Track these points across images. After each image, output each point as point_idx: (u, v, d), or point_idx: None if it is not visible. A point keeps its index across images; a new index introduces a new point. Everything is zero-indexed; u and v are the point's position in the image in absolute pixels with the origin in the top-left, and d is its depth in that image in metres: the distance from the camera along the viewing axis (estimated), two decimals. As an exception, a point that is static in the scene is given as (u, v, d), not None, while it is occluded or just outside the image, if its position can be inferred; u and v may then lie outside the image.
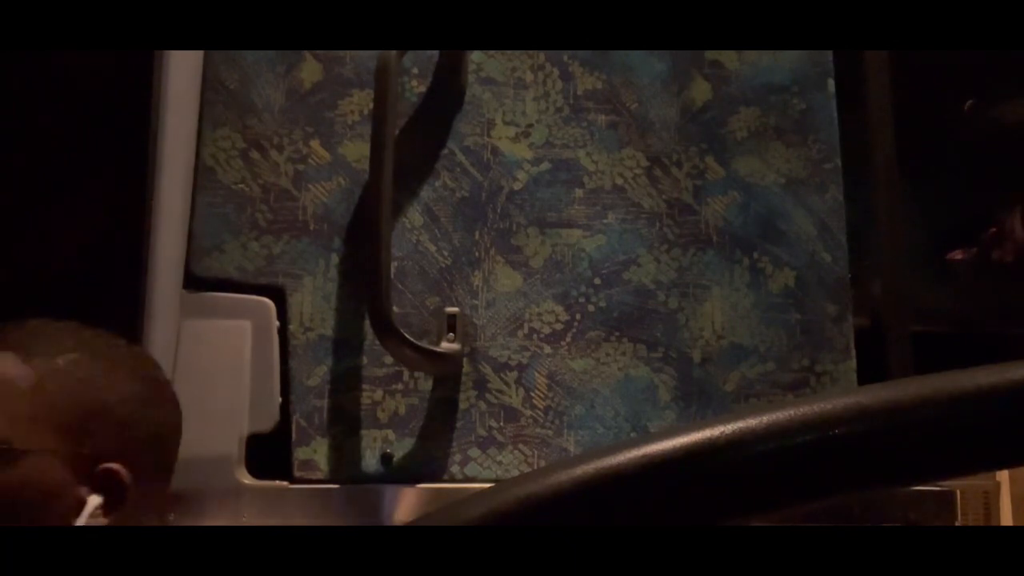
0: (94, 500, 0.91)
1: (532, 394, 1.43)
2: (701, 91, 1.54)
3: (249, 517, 1.34)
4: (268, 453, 1.38)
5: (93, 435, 0.91)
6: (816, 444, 0.40)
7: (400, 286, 1.44)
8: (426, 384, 1.42)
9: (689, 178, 1.51)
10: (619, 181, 1.50)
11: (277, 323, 1.41)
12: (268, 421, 1.38)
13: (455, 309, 1.44)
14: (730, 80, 1.55)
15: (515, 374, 1.43)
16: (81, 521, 0.89)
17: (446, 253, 1.46)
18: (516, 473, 1.40)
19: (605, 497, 0.40)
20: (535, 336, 1.45)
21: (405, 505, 1.37)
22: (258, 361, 1.39)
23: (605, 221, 1.49)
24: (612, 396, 1.44)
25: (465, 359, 1.43)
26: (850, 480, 0.42)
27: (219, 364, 1.38)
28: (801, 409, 0.41)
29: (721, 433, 0.40)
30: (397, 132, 1.41)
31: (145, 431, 0.97)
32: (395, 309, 1.41)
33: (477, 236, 1.47)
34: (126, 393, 0.96)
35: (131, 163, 1.44)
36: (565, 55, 1.53)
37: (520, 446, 1.41)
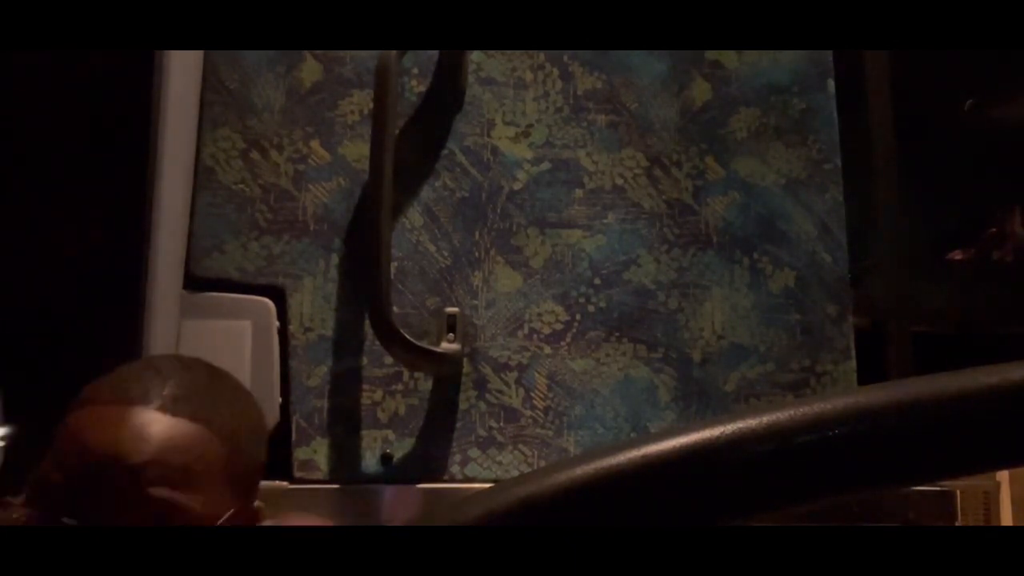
0: None
1: (532, 394, 1.43)
2: (701, 91, 1.54)
3: (249, 517, 1.34)
4: (268, 453, 1.38)
5: (253, 487, 0.95)
6: (816, 444, 0.40)
7: (400, 286, 1.44)
8: (426, 384, 1.42)
9: (689, 178, 1.51)
10: (619, 181, 1.50)
11: (277, 323, 1.41)
12: (268, 421, 1.38)
13: (455, 309, 1.44)
14: (730, 80, 1.55)
15: (515, 374, 1.43)
16: None
17: (446, 253, 1.46)
18: (516, 473, 1.40)
19: (605, 497, 0.40)
20: (535, 336, 1.45)
21: (405, 505, 1.37)
22: (258, 361, 1.39)
23: (605, 221, 1.49)
24: (612, 396, 1.44)
25: (465, 359, 1.43)
26: (850, 480, 0.42)
27: (219, 364, 1.38)
28: (801, 409, 0.41)
29: (721, 433, 0.40)
30: (397, 132, 1.41)
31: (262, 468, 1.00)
32: (395, 309, 1.41)
33: (477, 236, 1.47)
34: (264, 446, 0.98)
35: (131, 163, 1.45)
36: (565, 55, 1.53)
37: (520, 446, 1.41)
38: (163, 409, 0.85)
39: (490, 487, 0.41)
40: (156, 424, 0.84)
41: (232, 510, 0.87)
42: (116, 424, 0.83)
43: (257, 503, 0.95)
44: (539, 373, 1.44)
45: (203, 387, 0.91)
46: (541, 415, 1.42)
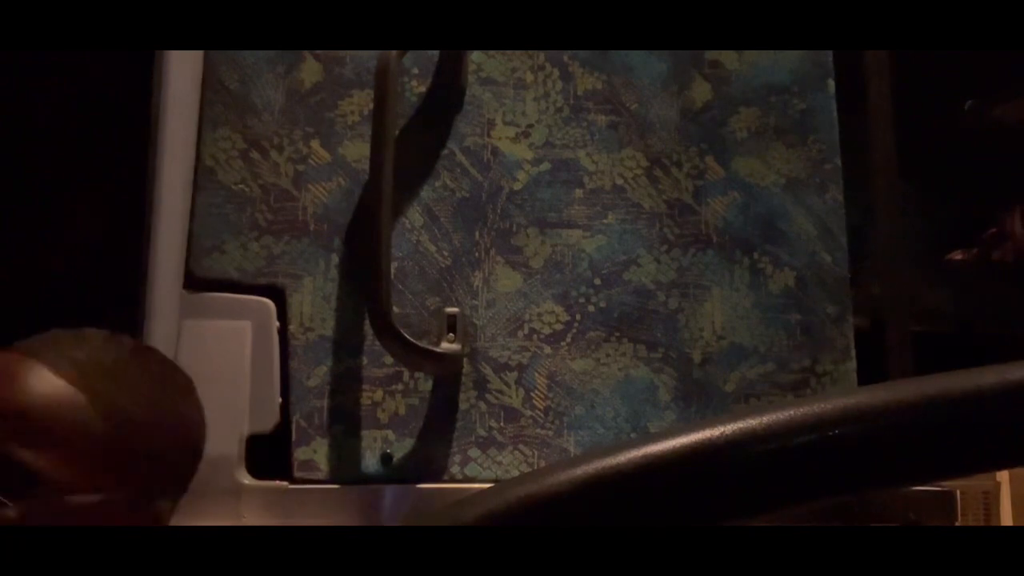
0: None
1: (532, 394, 1.43)
2: (701, 91, 1.54)
3: (249, 517, 1.34)
4: (268, 453, 1.38)
5: (153, 478, 0.88)
6: (816, 444, 0.40)
7: (400, 286, 1.44)
8: (426, 384, 1.42)
9: (689, 178, 1.51)
10: (619, 181, 1.50)
11: (277, 323, 1.41)
12: (268, 421, 1.38)
13: (455, 309, 1.44)
14: (730, 80, 1.55)
15: (515, 374, 1.43)
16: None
17: (446, 253, 1.46)
18: (516, 473, 1.40)
19: (605, 497, 0.40)
20: (535, 336, 1.45)
21: (405, 505, 1.37)
22: (258, 361, 1.39)
23: (605, 221, 1.49)
24: (612, 396, 1.44)
25: (465, 359, 1.43)
26: (850, 480, 0.42)
27: (219, 364, 1.38)
28: (801, 409, 0.41)
29: (721, 433, 0.40)
30: (397, 132, 1.41)
31: (183, 469, 0.94)
32: (395, 309, 1.41)
33: (477, 236, 1.47)
34: (181, 434, 0.92)
35: (131, 163, 1.45)
36: (565, 55, 1.53)
37: (520, 446, 1.41)
38: (52, 367, 0.82)
39: (490, 487, 0.41)
40: (36, 379, 0.81)
41: (104, 495, 0.82)
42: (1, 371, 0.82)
43: (163, 506, 0.89)
44: (539, 373, 1.44)
45: (115, 364, 0.87)
46: (541, 415, 1.42)
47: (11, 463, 0.78)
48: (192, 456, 0.94)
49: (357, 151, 1.46)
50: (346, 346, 1.42)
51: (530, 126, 1.51)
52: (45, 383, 0.82)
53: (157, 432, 0.88)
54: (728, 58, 1.55)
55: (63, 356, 0.84)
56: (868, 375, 1.50)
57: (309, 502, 1.36)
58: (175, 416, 0.92)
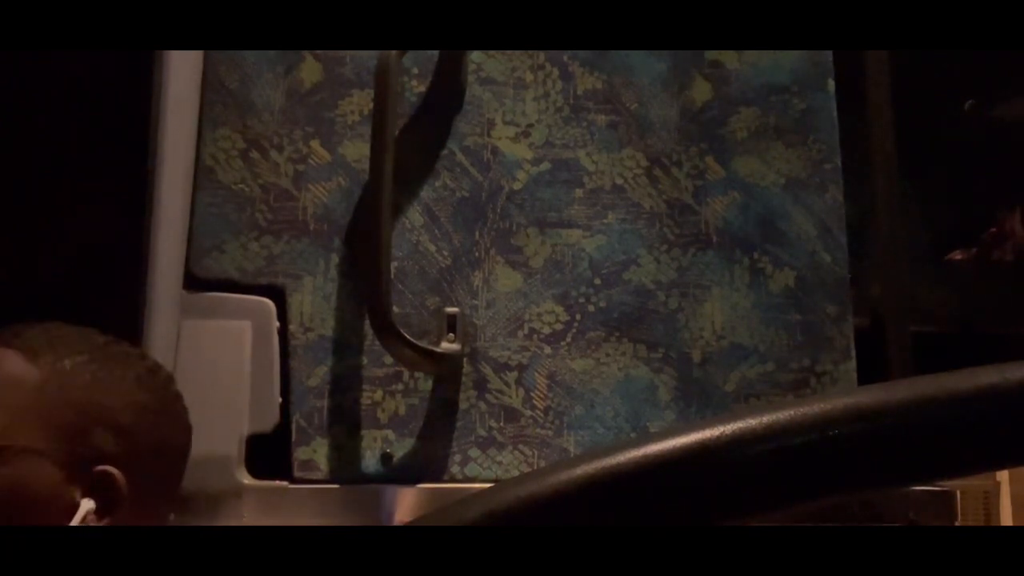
0: (87, 504, 0.89)
1: (532, 394, 1.43)
2: (701, 91, 1.54)
3: (249, 517, 1.34)
4: (268, 453, 1.38)
5: (92, 438, 0.90)
6: (816, 444, 0.40)
7: (400, 286, 1.44)
8: (426, 384, 1.42)
9: (689, 178, 1.51)
10: (619, 181, 1.50)
11: (277, 323, 1.41)
12: (268, 421, 1.38)
13: (455, 309, 1.44)
14: (730, 80, 1.55)
15: (515, 374, 1.43)
16: (74, 523, 0.88)
17: (446, 253, 1.46)
18: (516, 473, 1.40)
19: (605, 497, 0.40)
20: (535, 336, 1.45)
21: (405, 505, 1.37)
22: (258, 361, 1.39)
23: (605, 221, 1.49)
24: (612, 396, 1.44)
25: (465, 359, 1.43)
26: (850, 480, 0.42)
27: (219, 364, 1.38)
28: (801, 409, 0.41)
29: (721, 433, 0.40)
30: (397, 132, 1.41)
31: (147, 440, 0.96)
32: (395, 309, 1.41)
33: (477, 236, 1.47)
34: (130, 400, 0.95)
35: (131, 163, 1.44)
36: (565, 55, 1.53)
37: (520, 446, 1.41)
38: (4, 343, 0.88)
39: (490, 487, 0.41)
40: None
41: (36, 445, 0.85)
42: None
43: (108, 469, 0.90)
44: (539, 373, 1.44)
45: (61, 338, 0.92)
46: (541, 415, 1.42)
47: None
48: (153, 422, 0.95)
49: (357, 151, 1.46)
50: (346, 346, 1.42)
51: (530, 126, 1.51)
52: None
53: (100, 389, 0.91)
54: (728, 58, 1.55)
55: (15, 336, 0.90)
56: (868, 375, 1.49)
57: (309, 502, 1.36)
58: (124, 379, 0.94)
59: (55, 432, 0.88)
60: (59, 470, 0.87)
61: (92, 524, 0.90)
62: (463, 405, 1.42)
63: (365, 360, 1.42)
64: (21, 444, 0.85)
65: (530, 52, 1.52)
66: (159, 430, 0.98)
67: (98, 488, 0.90)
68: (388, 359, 1.40)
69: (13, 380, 0.88)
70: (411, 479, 1.38)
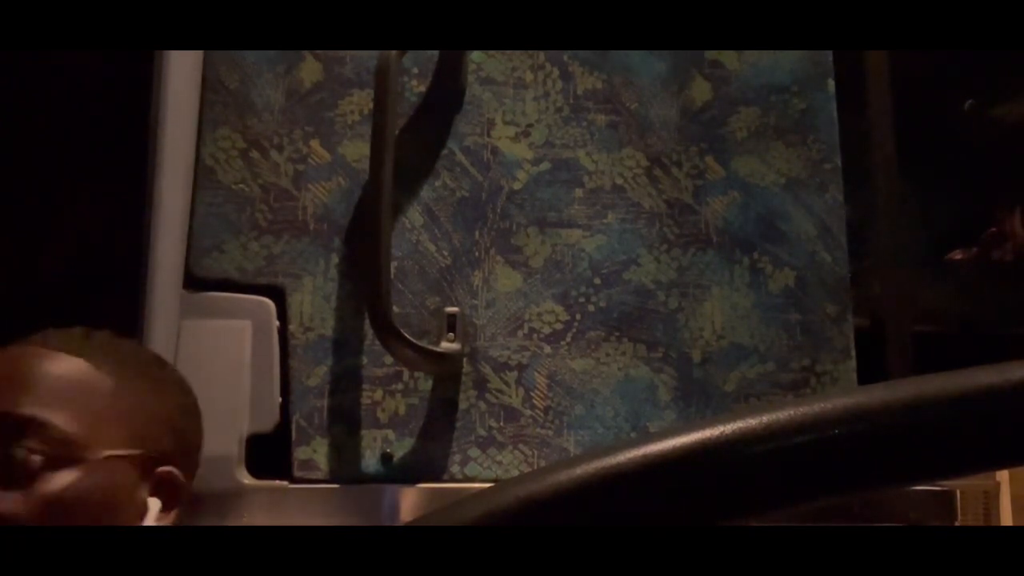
0: (155, 503, 0.93)
1: (532, 394, 1.43)
2: (701, 91, 1.54)
3: (249, 517, 1.34)
4: (268, 453, 1.38)
5: (157, 440, 0.93)
6: (816, 444, 0.40)
7: (400, 286, 1.44)
8: (426, 384, 1.42)
9: (689, 178, 1.51)
10: (619, 181, 1.50)
11: (277, 323, 1.41)
12: (268, 421, 1.38)
13: (455, 309, 1.44)
14: (730, 80, 1.55)
15: (515, 374, 1.43)
16: (148, 523, 0.92)
17: (446, 253, 1.46)
18: (516, 473, 1.40)
19: (605, 497, 0.40)
20: (535, 336, 1.45)
21: (405, 505, 1.37)
22: (258, 361, 1.39)
23: (605, 221, 1.49)
24: (612, 396, 1.44)
25: (465, 359, 1.43)
26: (850, 480, 0.42)
27: (219, 364, 1.38)
28: (801, 409, 0.41)
29: (721, 433, 0.40)
30: (397, 132, 1.41)
31: (192, 441, 1.00)
32: (395, 309, 1.41)
33: (477, 236, 1.47)
34: (179, 403, 0.99)
35: (131, 163, 1.44)
36: (565, 55, 1.53)
37: (520, 446, 1.41)
38: (55, 348, 0.90)
39: (490, 487, 0.41)
40: (35, 358, 0.89)
41: (118, 451, 0.88)
42: (8, 358, 0.89)
43: (171, 469, 0.94)
44: (539, 373, 1.44)
45: (113, 343, 0.95)
46: (541, 415, 1.42)
47: (44, 425, 0.85)
48: (195, 424, 1.01)
49: (357, 151, 1.46)
50: (346, 346, 1.42)
51: (530, 126, 1.51)
52: (48, 359, 0.89)
53: (156, 393, 0.95)
54: (728, 58, 1.55)
55: (62, 341, 0.91)
56: (868, 375, 1.49)
57: (309, 502, 1.36)
58: (168, 383, 0.99)
59: (130, 435, 0.91)
60: (133, 472, 0.90)
61: (161, 522, 0.93)
62: (463, 405, 1.42)
63: (365, 360, 1.42)
64: (105, 448, 0.88)
65: (530, 52, 1.52)
66: (198, 431, 1.02)
67: (161, 488, 0.93)
68: (388, 359, 1.40)
69: (89, 386, 0.90)
70: (411, 479, 1.38)
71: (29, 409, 0.85)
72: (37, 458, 0.84)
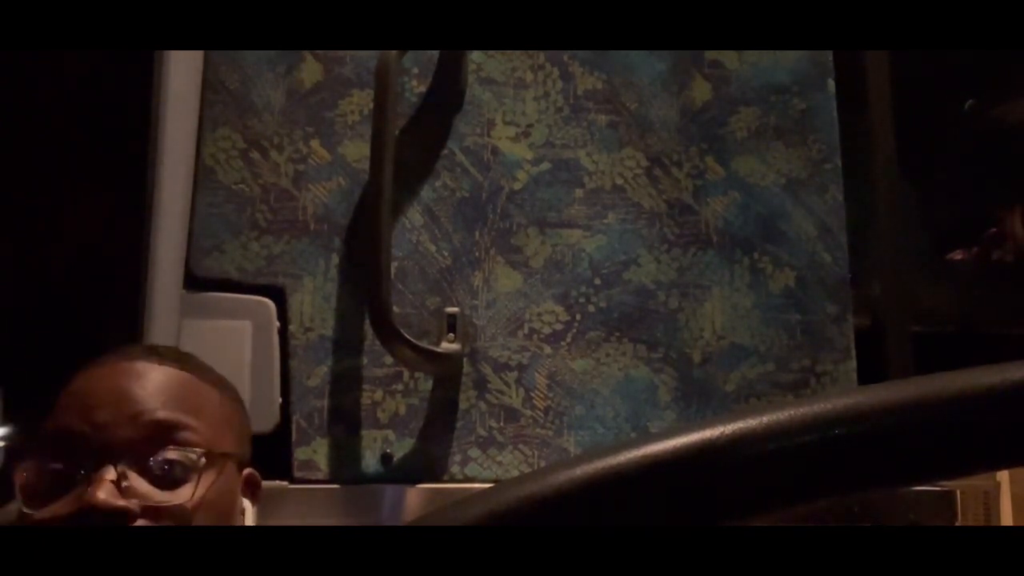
0: (247, 504, 1.00)
1: (532, 394, 1.43)
2: (701, 91, 1.54)
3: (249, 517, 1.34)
4: (268, 453, 1.38)
5: (242, 443, 0.99)
6: (816, 444, 0.40)
7: (400, 286, 1.44)
8: (426, 384, 1.42)
9: (689, 178, 1.51)
10: (619, 181, 1.50)
11: (277, 323, 1.41)
12: (268, 421, 1.38)
13: (455, 309, 1.44)
14: (730, 80, 1.55)
15: (515, 374, 1.43)
16: (248, 522, 0.99)
17: (446, 253, 1.46)
18: (516, 473, 1.40)
19: (605, 497, 0.40)
20: (535, 336, 1.45)
21: (405, 505, 1.37)
22: (258, 361, 1.39)
23: (605, 221, 1.49)
24: (612, 396, 1.44)
25: (465, 359, 1.43)
26: (850, 480, 0.42)
27: (219, 364, 1.38)
28: (801, 409, 0.41)
29: (721, 433, 0.40)
30: (397, 132, 1.41)
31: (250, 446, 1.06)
32: (395, 309, 1.41)
33: (477, 236, 1.47)
34: (244, 411, 1.04)
35: (131, 163, 1.44)
36: (565, 55, 1.53)
37: (520, 446, 1.41)
38: (160, 362, 0.94)
39: (490, 487, 0.41)
40: (155, 370, 0.93)
41: (232, 451, 0.94)
42: (121, 372, 0.92)
43: (254, 472, 1.01)
44: (539, 373, 1.44)
45: (192, 356, 1.01)
46: (541, 415, 1.42)
47: (175, 427, 0.89)
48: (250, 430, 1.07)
49: (357, 151, 1.46)
50: (346, 346, 1.42)
51: (530, 126, 1.51)
52: (164, 371, 0.94)
53: (240, 405, 1.02)
54: (728, 58, 1.55)
55: (155, 355, 0.96)
56: (868, 375, 1.49)
57: (309, 502, 1.36)
58: (235, 391, 1.05)
59: (237, 440, 0.97)
60: (237, 474, 0.96)
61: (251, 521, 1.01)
62: (463, 405, 1.42)
63: (365, 360, 1.42)
64: (225, 450, 0.93)
65: (530, 52, 1.52)
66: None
67: (248, 489, 1.00)
68: (388, 359, 1.40)
69: (204, 395, 0.95)
70: (411, 479, 1.38)
71: (173, 414, 0.89)
72: (187, 459, 0.88)
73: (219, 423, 0.94)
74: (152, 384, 0.91)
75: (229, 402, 0.99)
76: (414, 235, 1.47)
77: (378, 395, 1.41)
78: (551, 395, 1.43)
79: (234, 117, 1.46)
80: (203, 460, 0.89)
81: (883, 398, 0.41)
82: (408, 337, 1.34)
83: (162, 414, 0.89)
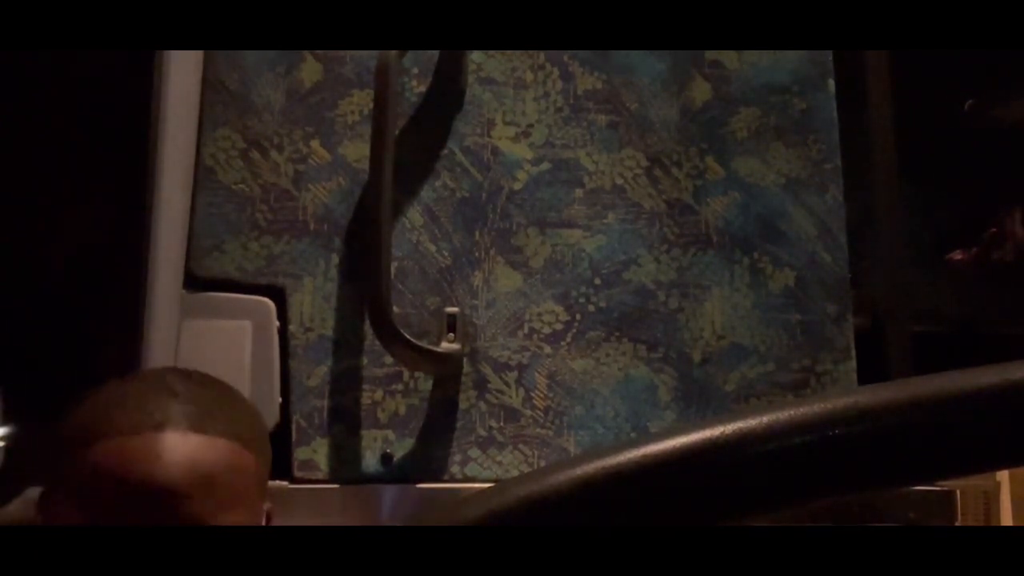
0: None
1: (532, 394, 1.43)
2: (701, 91, 1.54)
3: (249, 517, 1.34)
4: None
5: (267, 484, 0.99)
6: (816, 444, 0.40)
7: (400, 286, 1.44)
8: (426, 384, 1.42)
9: (689, 178, 1.51)
10: (619, 181, 1.50)
11: (277, 323, 1.41)
12: (268, 421, 1.38)
13: (455, 309, 1.44)
14: (730, 80, 1.55)
15: (515, 374, 1.43)
16: None
17: (446, 253, 1.46)
18: (516, 473, 1.40)
19: (605, 497, 0.40)
20: (535, 336, 1.45)
21: (405, 505, 1.37)
22: (258, 361, 1.39)
23: (605, 221, 1.49)
24: (612, 396, 1.44)
25: (465, 359, 1.43)
26: (850, 480, 0.42)
27: (219, 364, 1.38)
28: (801, 409, 0.41)
29: (721, 433, 0.40)
30: (397, 132, 1.41)
31: None
32: (395, 309, 1.41)
33: (477, 236, 1.47)
34: (268, 445, 1.02)
35: (131, 163, 1.44)
36: (565, 55, 1.53)
37: (520, 446, 1.41)
38: (195, 430, 0.86)
39: (490, 487, 0.41)
40: (194, 448, 0.85)
41: (262, 505, 0.94)
42: (156, 454, 0.83)
43: (271, 507, 1.00)
44: (539, 373, 1.44)
45: (216, 399, 0.93)
46: (541, 415, 1.42)
47: (224, 518, 0.86)
48: None
49: (357, 151, 1.46)
50: (346, 346, 1.42)
51: (530, 126, 1.51)
52: (205, 449, 0.87)
53: (267, 440, 0.99)
54: (728, 58, 1.55)
55: (183, 416, 0.87)
56: (868, 375, 1.49)
57: (309, 502, 1.36)
58: (260, 418, 1.03)
59: (264, 486, 0.96)
60: (263, 514, 0.96)
61: None
62: (463, 405, 1.42)
63: (365, 360, 1.42)
64: (259, 511, 0.93)
65: (530, 52, 1.52)
66: None
67: (266, 523, 0.98)
68: (388, 359, 1.40)
69: (246, 471, 0.90)
70: (411, 479, 1.38)
71: (216, 515, 0.85)
72: None
73: (256, 492, 0.92)
74: (195, 474, 0.84)
75: (263, 455, 0.95)
76: (414, 235, 1.47)
77: (378, 395, 1.41)
78: (551, 395, 1.43)
79: (234, 117, 1.46)
80: None
81: (883, 398, 0.41)
82: (408, 337, 1.34)
83: (199, 517, 0.84)
